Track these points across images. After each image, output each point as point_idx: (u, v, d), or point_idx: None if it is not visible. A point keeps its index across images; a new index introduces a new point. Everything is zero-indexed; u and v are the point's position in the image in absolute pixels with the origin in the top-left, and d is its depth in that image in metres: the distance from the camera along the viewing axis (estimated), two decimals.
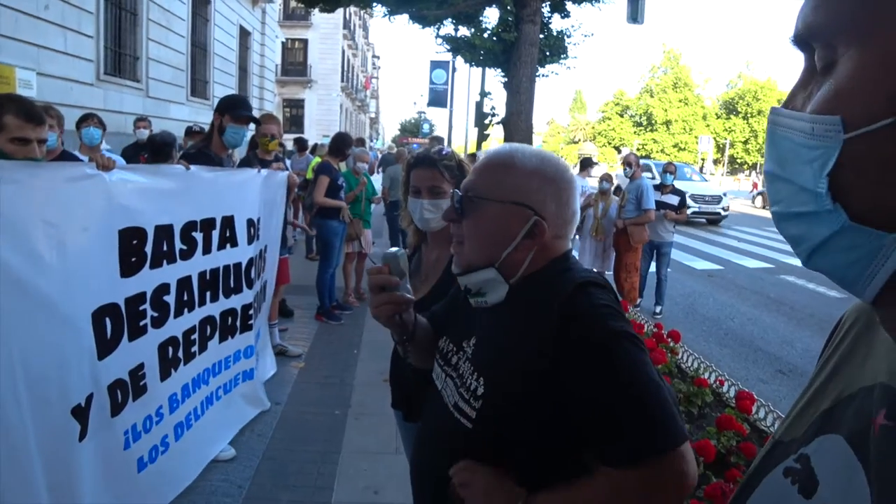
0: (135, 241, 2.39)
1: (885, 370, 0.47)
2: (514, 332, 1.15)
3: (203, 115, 13.60)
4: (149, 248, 2.46)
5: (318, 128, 34.18)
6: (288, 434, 3.86)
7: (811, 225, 0.46)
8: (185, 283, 2.76)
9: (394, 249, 1.32)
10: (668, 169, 7.83)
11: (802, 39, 0.47)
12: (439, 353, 1.37)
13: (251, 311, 3.35)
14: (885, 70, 0.40)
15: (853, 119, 0.41)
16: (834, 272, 0.47)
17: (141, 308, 2.45)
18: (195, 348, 2.91)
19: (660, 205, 7.27)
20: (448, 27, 11.51)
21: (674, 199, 7.44)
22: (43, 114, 2.45)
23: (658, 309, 7.48)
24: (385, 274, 1.29)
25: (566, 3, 11.18)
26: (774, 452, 0.60)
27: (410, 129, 61.53)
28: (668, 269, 7.75)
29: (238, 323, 3.26)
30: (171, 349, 2.68)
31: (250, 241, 3.23)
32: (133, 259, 2.38)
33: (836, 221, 0.44)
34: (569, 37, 11.41)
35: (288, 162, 9.88)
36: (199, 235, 2.83)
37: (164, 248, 2.58)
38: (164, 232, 2.56)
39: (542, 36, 10.28)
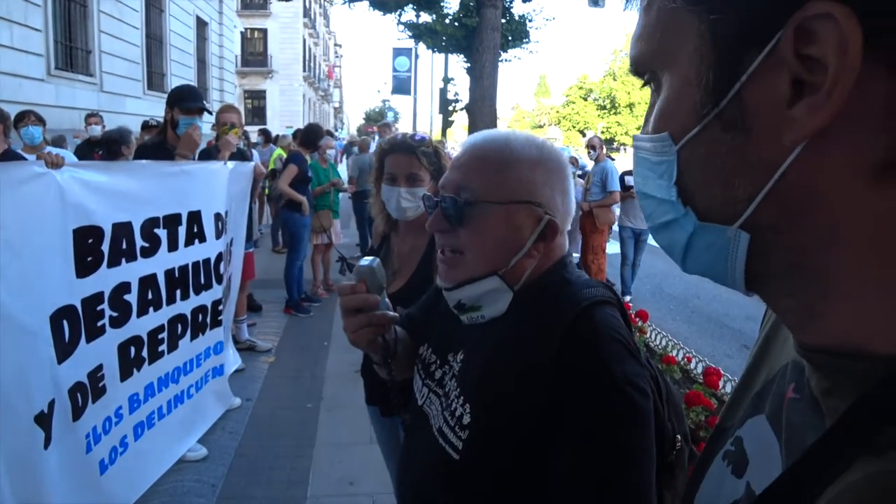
0: (90, 240, 2.30)
1: (793, 347, 0.50)
2: (507, 354, 0.98)
3: (160, 109, 13.22)
4: (105, 247, 2.38)
5: (281, 119, 33.69)
6: (260, 430, 3.82)
7: (674, 232, 0.50)
8: (149, 281, 2.68)
9: (367, 260, 1.12)
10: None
11: (635, 70, 0.53)
12: (420, 362, 1.20)
13: (220, 307, 3.29)
14: (688, 87, 0.45)
15: (676, 132, 0.46)
16: (707, 272, 0.51)
17: (98, 308, 2.37)
18: (163, 347, 2.84)
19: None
20: (409, 13, 11.43)
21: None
22: None
23: (628, 298, 7.29)
24: (362, 293, 1.10)
25: None
26: (718, 438, 0.63)
27: (375, 118, 61.02)
28: (640, 259, 7.75)
29: (209, 319, 3.20)
30: (132, 349, 2.61)
31: (218, 236, 3.16)
32: (89, 258, 2.30)
33: (689, 223, 0.48)
34: (531, 21, 11.42)
35: (255, 153, 9.75)
36: (162, 232, 2.74)
37: (124, 245, 2.49)
38: (122, 229, 2.48)
39: (503, 20, 10.27)
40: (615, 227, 7.60)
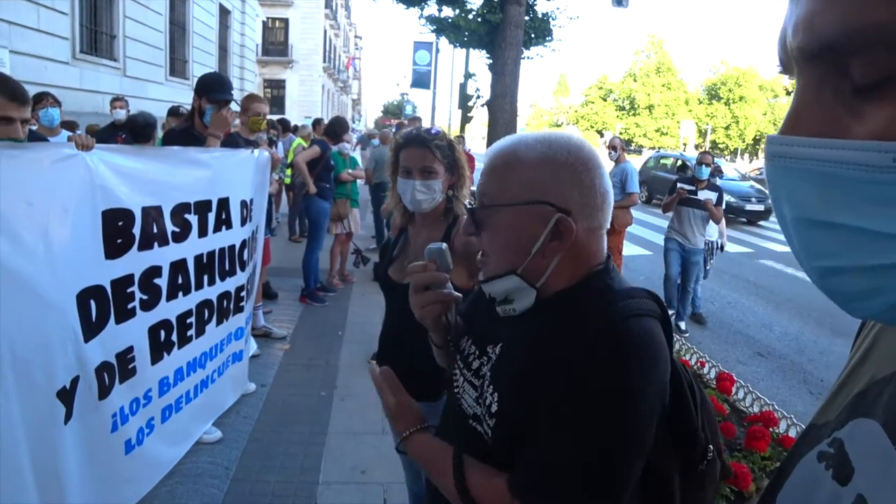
0: (120, 223, 2.33)
1: None
2: (540, 354, 1.00)
3: (182, 95, 13.37)
4: (137, 230, 2.40)
5: (300, 109, 33.81)
6: (274, 416, 3.87)
7: (888, 278, 0.37)
8: (179, 266, 2.70)
9: (437, 244, 1.22)
10: (704, 160, 6.32)
11: (833, 48, 0.36)
12: (460, 353, 1.25)
13: (243, 293, 3.33)
14: None
15: None
16: None
17: (129, 290, 2.39)
18: (191, 332, 2.87)
19: (689, 202, 6.23)
20: (432, 7, 11.42)
21: (712, 196, 6.19)
22: (27, 93, 2.39)
23: (682, 325, 6.33)
24: (432, 271, 1.20)
25: None
26: (808, 435, 0.58)
27: (393, 111, 61.08)
28: (699, 284, 6.60)
29: (231, 305, 3.23)
30: (163, 332, 2.64)
31: (243, 223, 3.19)
32: (119, 241, 2.32)
33: None
34: (554, 19, 11.37)
35: (280, 143, 9.83)
36: (193, 218, 2.76)
37: (154, 229, 2.51)
38: (152, 213, 2.50)
39: (527, 18, 10.24)
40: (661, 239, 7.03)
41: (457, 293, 1.22)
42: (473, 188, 1.98)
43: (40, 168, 1.97)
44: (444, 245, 1.21)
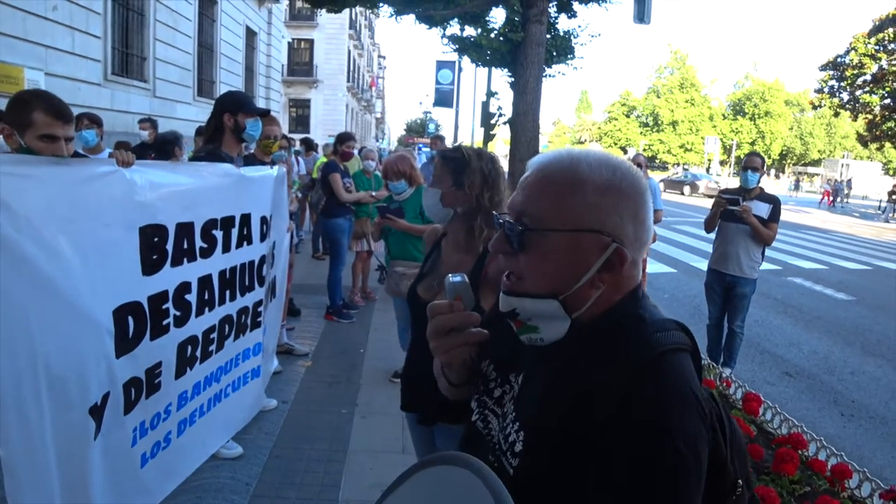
0: (156, 239, 2.35)
1: None
2: (566, 387, 0.93)
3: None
4: (170, 246, 2.43)
5: (324, 128, 34.24)
6: (295, 432, 3.88)
7: None
8: (205, 281, 2.73)
9: (457, 277, 1.09)
10: (751, 164, 5.10)
11: None
12: (480, 377, 1.16)
13: (260, 308, 3.36)
14: None
15: None
16: None
17: (164, 307, 2.42)
18: (213, 347, 2.89)
19: (736, 217, 4.97)
20: (454, 27, 11.50)
21: (762, 209, 4.96)
22: (71, 112, 2.47)
23: (727, 372, 4.52)
24: (460, 311, 1.06)
25: (573, 3, 11.15)
26: None
27: (416, 129, 61.52)
28: (743, 323, 5.25)
29: (249, 321, 3.26)
30: (189, 348, 2.66)
31: (262, 239, 3.23)
32: (155, 257, 2.35)
33: None
34: (576, 37, 11.38)
35: (302, 161, 9.93)
36: (219, 234, 2.80)
37: (185, 245, 2.55)
38: (185, 229, 2.53)
39: (548, 36, 10.27)
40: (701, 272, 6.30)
41: (485, 331, 1.08)
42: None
43: (79, 183, 2.00)
44: (464, 276, 1.10)
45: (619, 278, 0.97)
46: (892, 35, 26.53)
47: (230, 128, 3.46)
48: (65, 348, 1.91)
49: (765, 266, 11.15)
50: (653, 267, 7.92)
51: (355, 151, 7.73)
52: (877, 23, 27.10)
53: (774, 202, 5.03)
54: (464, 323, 1.06)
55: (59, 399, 1.90)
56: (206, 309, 2.76)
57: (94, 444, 2.10)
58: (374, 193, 6.83)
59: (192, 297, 2.61)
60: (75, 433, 2.00)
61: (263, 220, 3.22)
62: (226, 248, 2.87)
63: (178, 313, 2.51)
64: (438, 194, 2.16)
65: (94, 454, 2.11)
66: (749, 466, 1.09)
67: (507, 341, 1.07)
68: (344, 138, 6.80)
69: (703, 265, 10.53)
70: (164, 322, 2.43)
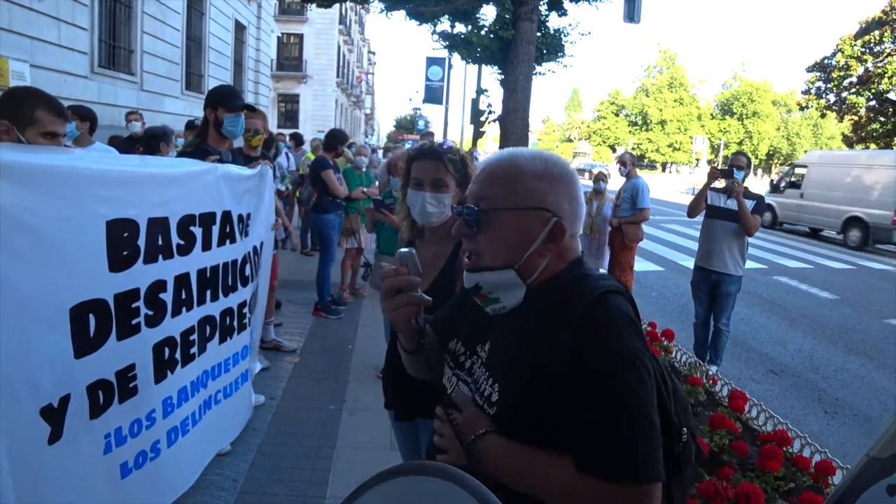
0: (125, 234, 2.19)
1: None
2: (531, 339, 1.13)
3: (198, 109, 13.45)
4: (142, 242, 2.28)
5: (313, 123, 34.10)
6: (282, 429, 3.87)
7: None
8: (183, 280, 2.57)
9: (406, 249, 1.29)
10: (737, 163, 5.30)
11: None
12: (450, 355, 1.36)
13: (245, 310, 3.24)
14: None
15: None
16: None
17: (134, 305, 2.25)
18: (194, 350, 2.73)
19: (721, 212, 5.18)
20: (445, 24, 11.50)
21: (747, 204, 5.10)
22: (66, 109, 2.49)
23: (714, 369, 4.73)
24: (404, 275, 1.26)
25: (563, 1, 11.18)
26: (870, 469, 0.60)
27: (406, 126, 61.39)
28: (728, 321, 5.34)
29: (235, 323, 3.12)
30: (167, 350, 2.49)
31: (243, 237, 3.15)
32: (125, 253, 2.19)
33: None
34: (566, 35, 11.41)
35: (291, 156, 9.87)
36: (198, 230, 2.66)
37: (160, 241, 2.39)
38: (158, 225, 2.38)
39: (539, 34, 10.28)
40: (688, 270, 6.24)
41: (427, 297, 1.28)
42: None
43: (44, 175, 1.87)
44: (413, 250, 1.28)
45: (561, 248, 1.20)
46: (878, 37, 26.76)
47: (213, 122, 3.47)
48: (9, 345, 1.76)
49: (751, 265, 11.28)
50: (641, 265, 7.97)
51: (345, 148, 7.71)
52: (863, 25, 27.31)
53: (758, 198, 5.30)
54: (406, 286, 1.25)
55: (5, 398, 1.75)
56: (184, 309, 2.60)
57: (51, 448, 1.94)
58: (365, 190, 6.82)
59: (167, 297, 2.46)
60: (27, 436, 1.85)
61: (240, 218, 3.10)
62: (206, 246, 2.74)
63: (150, 312, 2.34)
64: (446, 199, 2.04)
65: (52, 458, 1.95)
66: (691, 418, 1.28)
67: (472, 320, 1.31)
68: (343, 139, 6.85)
69: (691, 263, 10.59)
70: (134, 321, 2.26)
